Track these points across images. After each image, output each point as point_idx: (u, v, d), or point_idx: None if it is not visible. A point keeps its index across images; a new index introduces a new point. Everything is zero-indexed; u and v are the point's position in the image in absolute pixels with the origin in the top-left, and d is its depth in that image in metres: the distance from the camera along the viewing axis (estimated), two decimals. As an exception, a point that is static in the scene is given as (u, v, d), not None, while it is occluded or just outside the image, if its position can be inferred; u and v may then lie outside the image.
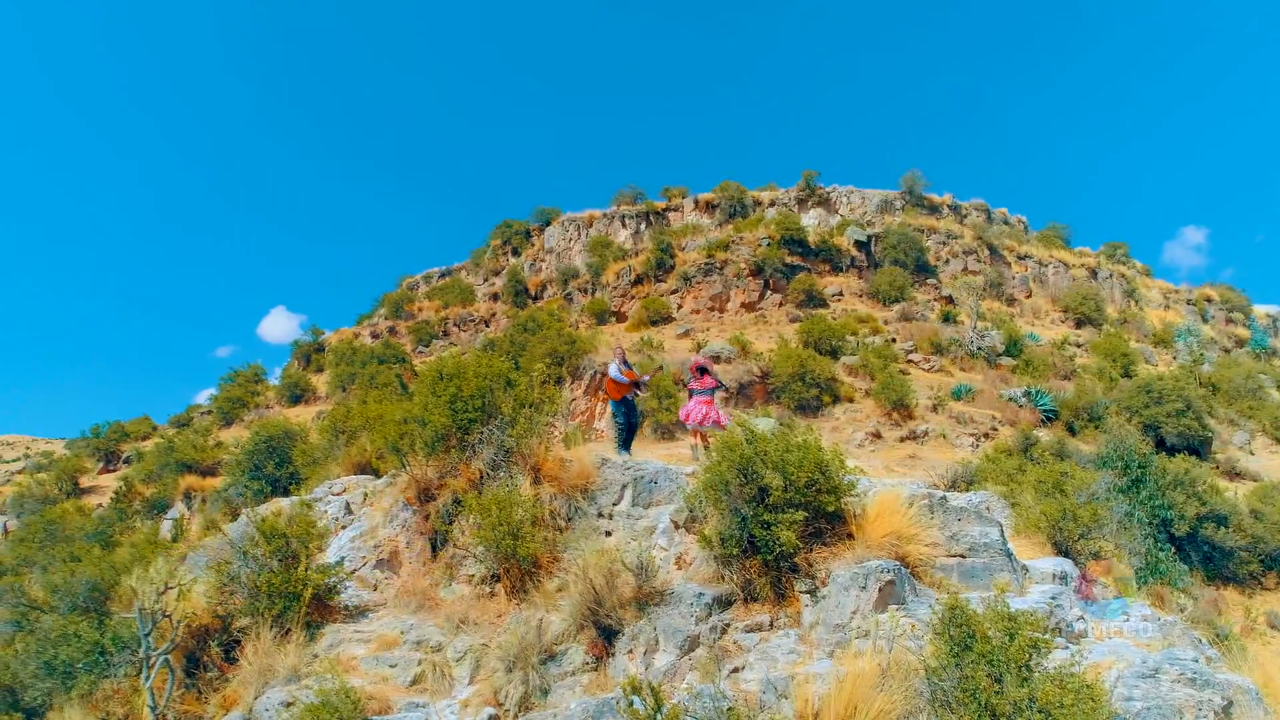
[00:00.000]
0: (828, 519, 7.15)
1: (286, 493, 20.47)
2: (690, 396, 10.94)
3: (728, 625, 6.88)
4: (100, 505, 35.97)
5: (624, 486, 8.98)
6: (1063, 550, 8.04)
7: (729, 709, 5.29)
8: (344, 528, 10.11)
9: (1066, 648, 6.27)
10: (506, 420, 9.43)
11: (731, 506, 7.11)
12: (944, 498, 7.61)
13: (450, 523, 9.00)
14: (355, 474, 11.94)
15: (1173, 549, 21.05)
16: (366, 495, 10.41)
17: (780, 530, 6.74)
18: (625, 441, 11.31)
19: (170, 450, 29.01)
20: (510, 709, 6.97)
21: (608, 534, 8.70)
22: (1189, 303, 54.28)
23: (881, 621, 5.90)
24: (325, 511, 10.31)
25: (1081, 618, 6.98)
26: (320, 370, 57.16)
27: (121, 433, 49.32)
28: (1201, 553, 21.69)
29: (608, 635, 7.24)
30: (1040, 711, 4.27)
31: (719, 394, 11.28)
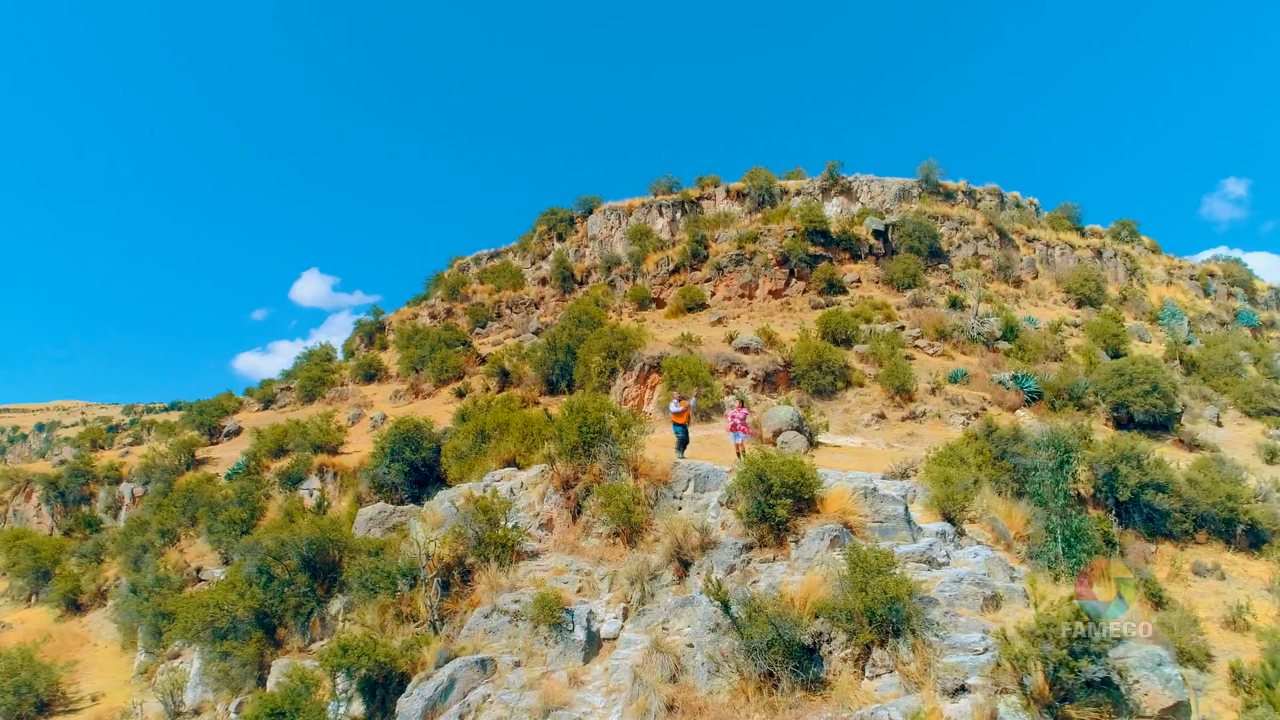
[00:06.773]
0: (806, 502, 12.90)
1: (419, 472, 26.70)
2: (730, 420, 16.76)
3: (750, 559, 12.71)
4: (216, 475, 42.22)
5: (689, 480, 14.85)
6: (948, 518, 13.59)
7: (751, 597, 11.13)
8: (510, 504, 16.12)
9: (929, 570, 11.99)
10: (615, 437, 15.30)
11: (753, 495, 12.90)
12: (875, 488, 13.31)
13: (584, 500, 14.97)
14: (504, 467, 17.98)
15: (1114, 512, 26.10)
16: (523, 484, 16.44)
17: (778, 509, 12.52)
18: (681, 448, 17.06)
19: (304, 434, 35.31)
20: (634, 604, 12.95)
21: (679, 508, 14.58)
22: (1192, 278, 57.23)
23: (828, 557, 11.70)
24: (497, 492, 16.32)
25: (947, 554, 12.67)
26: (384, 349, 63.44)
27: (220, 409, 56.44)
28: (1143, 514, 26.45)
29: (684, 565, 13.15)
30: (881, 590, 10.01)
31: (749, 416, 17.01)
